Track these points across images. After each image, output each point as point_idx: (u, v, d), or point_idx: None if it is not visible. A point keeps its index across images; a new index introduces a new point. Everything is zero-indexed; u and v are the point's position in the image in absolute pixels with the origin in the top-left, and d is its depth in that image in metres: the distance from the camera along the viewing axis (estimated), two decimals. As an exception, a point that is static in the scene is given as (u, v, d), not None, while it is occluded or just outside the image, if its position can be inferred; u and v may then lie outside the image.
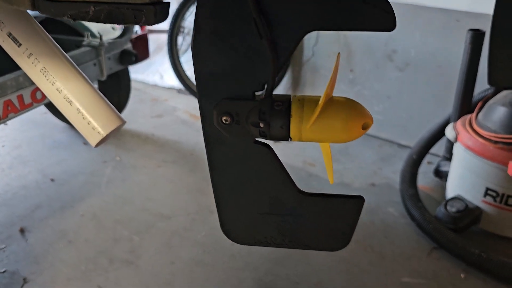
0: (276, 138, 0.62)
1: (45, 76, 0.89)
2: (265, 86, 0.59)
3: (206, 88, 0.59)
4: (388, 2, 0.53)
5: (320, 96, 0.59)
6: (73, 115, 0.90)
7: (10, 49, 0.88)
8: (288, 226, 0.71)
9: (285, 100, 0.60)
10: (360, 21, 0.53)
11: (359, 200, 0.67)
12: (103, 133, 0.90)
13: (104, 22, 0.55)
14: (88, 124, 0.90)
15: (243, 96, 0.59)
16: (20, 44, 0.88)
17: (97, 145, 0.92)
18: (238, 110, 0.60)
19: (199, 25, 0.54)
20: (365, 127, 0.59)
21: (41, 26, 0.92)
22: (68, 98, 0.89)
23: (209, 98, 0.60)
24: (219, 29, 0.54)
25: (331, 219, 0.70)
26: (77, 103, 0.90)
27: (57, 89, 0.89)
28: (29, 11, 0.92)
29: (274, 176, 0.66)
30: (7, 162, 2.44)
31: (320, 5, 0.53)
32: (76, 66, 0.94)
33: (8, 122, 2.84)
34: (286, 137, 0.61)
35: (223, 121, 0.61)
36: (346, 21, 0.53)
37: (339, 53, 0.57)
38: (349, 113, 0.59)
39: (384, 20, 0.53)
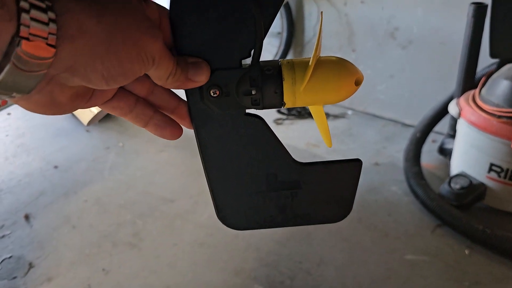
0: (269, 106, 0.59)
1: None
2: (252, 53, 0.56)
3: None
4: None
5: (307, 58, 0.57)
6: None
7: None
8: (287, 202, 0.69)
9: (275, 65, 0.58)
10: None
11: (357, 162, 0.65)
12: (95, 111, 0.89)
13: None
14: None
15: (230, 66, 0.57)
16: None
17: (89, 123, 0.91)
18: (227, 80, 0.57)
19: None
20: (357, 83, 0.58)
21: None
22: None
23: None
24: None
25: (331, 187, 0.68)
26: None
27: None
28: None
29: (269, 149, 0.64)
30: (11, 151, 2.46)
31: None
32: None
33: (12, 112, 2.86)
34: (280, 103, 0.58)
35: (211, 94, 0.58)
36: None
37: (321, 11, 0.55)
38: (340, 70, 0.58)
39: None
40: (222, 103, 0.59)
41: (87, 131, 2.62)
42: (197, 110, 0.61)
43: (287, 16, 2.86)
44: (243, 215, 0.72)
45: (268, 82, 0.57)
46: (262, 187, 0.68)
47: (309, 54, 2.91)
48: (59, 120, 2.76)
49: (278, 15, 2.89)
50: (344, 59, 0.59)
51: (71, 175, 2.21)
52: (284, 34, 2.91)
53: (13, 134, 2.63)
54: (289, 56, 2.98)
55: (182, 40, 0.55)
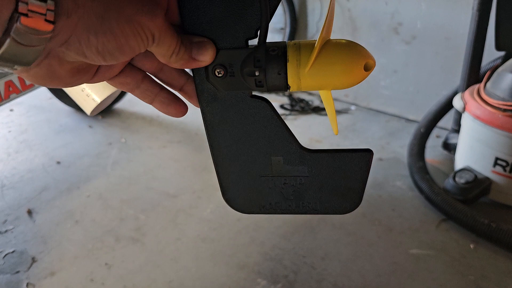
0: (273, 88, 0.58)
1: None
2: (258, 33, 0.55)
3: None
4: None
5: (315, 40, 0.55)
6: (67, 82, 0.89)
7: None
8: (294, 189, 0.67)
9: (280, 46, 0.56)
10: None
11: (368, 153, 0.63)
12: (98, 99, 0.88)
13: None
14: (82, 91, 0.88)
15: (236, 45, 0.56)
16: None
17: (92, 113, 0.90)
18: (232, 60, 0.56)
19: None
20: (367, 68, 0.55)
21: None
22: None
23: None
24: None
25: (339, 176, 0.65)
26: (70, 70, 0.88)
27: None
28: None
29: (274, 133, 0.63)
30: (13, 147, 2.45)
31: None
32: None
33: (14, 108, 2.86)
34: (284, 85, 0.57)
35: (216, 73, 0.57)
36: None
37: (333, -1, 0.53)
38: (348, 53, 0.55)
39: None
40: (227, 83, 0.58)
41: (90, 126, 2.61)
42: (203, 90, 0.60)
43: (290, 12, 2.85)
44: (248, 198, 0.71)
45: (272, 62, 0.56)
46: (267, 171, 0.67)
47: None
48: (62, 116, 2.76)
49: (281, 10, 2.88)
50: (355, 42, 0.57)
51: (73, 170, 2.21)
52: (287, 30, 2.90)
53: (16, 130, 2.63)
54: (292, 52, 2.97)
55: (188, 18, 0.54)
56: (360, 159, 0.65)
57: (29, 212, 1.91)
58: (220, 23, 0.54)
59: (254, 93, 0.60)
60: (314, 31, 2.85)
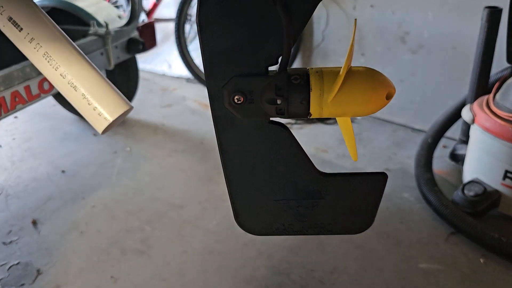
0: (294, 116, 0.57)
1: (48, 61, 0.86)
2: (279, 60, 0.54)
3: (214, 65, 0.55)
4: None
5: (338, 67, 0.54)
6: (79, 101, 0.87)
7: (11, 34, 0.85)
8: (308, 211, 0.67)
9: (303, 73, 0.55)
10: None
11: (382, 176, 0.62)
12: (110, 118, 0.86)
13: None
14: (94, 110, 0.87)
15: (256, 72, 0.54)
16: (21, 29, 0.85)
17: (104, 131, 0.89)
18: (252, 87, 0.55)
19: None
20: (389, 97, 0.54)
21: (42, 10, 0.89)
22: (72, 83, 0.86)
23: (218, 76, 0.55)
24: None
25: (353, 199, 0.65)
26: (82, 89, 0.86)
27: (61, 75, 0.86)
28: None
29: (292, 158, 0.62)
30: (18, 155, 2.44)
31: None
32: (80, 51, 0.91)
33: (18, 115, 2.85)
34: (306, 113, 0.56)
35: (235, 100, 0.56)
36: None
37: (355, 19, 0.52)
38: (372, 82, 0.54)
39: None
40: (246, 110, 0.57)
41: (94, 135, 2.60)
42: (221, 116, 0.59)
43: (295, 20, 2.84)
44: (262, 221, 0.70)
45: (295, 91, 0.55)
46: (283, 195, 0.66)
47: (318, 58, 2.89)
48: (66, 124, 2.75)
49: (287, 18, 2.86)
50: (375, 70, 0.56)
51: (78, 180, 2.19)
52: (292, 38, 2.89)
53: (20, 138, 2.62)
54: (298, 60, 2.96)
55: (207, 44, 0.53)
56: (374, 182, 0.65)
57: (34, 223, 1.89)
58: (241, 49, 0.53)
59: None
60: (320, 39, 2.84)
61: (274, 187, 0.65)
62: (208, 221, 1.87)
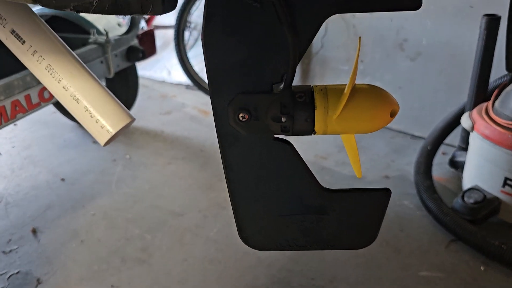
0: (299, 133, 0.57)
1: (51, 74, 0.87)
2: (284, 78, 0.55)
3: (219, 83, 0.55)
4: None
5: (341, 85, 0.55)
6: (81, 113, 0.88)
7: (14, 47, 0.86)
8: (312, 226, 0.67)
9: (307, 91, 0.56)
10: (387, 1, 0.49)
11: (386, 192, 0.63)
12: (112, 131, 0.87)
13: (109, 13, 0.52)
14: (96, 122, 0.87)
15: (261, 90, 0.55)
16: (24, 42, 0.85)
17: (106, 144, 0.89)
18: (257, 105, 0.55)
19: (210, 13, 0.50)
20: (393, 114, 0.55)
21: (44, 22, 0.89)
22: (75, 96, 0.87)
23: (223, 94, 0.56)
24: (232, 16, 0.50)
25: (357, 215, 0.66)
26: (84, 101, 0.87)
27: (63, 87, 0.87)
28: (32, 7, 0.90)
29: (296, 175, 0.62)
30: (17, 163, 2.44)
31: None
32: (82, 63, 0.92)
33: (18, 123, 2.85)
34: (310, 130, 0.56)
35: (240, 118, 0.56)
36: (372, 1, 0.50)
37: (360, 37, 0.53)
38: (376, 100, 0.55)
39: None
40: (251, 127, 0.57)
41: (94, 142, 2.60)
42: (226, 133, 0.59)
43: (294, 27, 2.85)
44: (266, 236, 0.70)
45: (300, 109, 0.55)
46: (287, 211, 0.67)
47: (317, 65, 2.90)
48: (66, 131, 2.75)
49: (286, 26, 2.88)
50: (379, 88, 0.57)
51: (78, 187, 2.19)
52: (292, 45, 2.90)
53: (20, 146, 2.62)
54: (297, 68, 2.96)
55: (212, 61, 0.53)
56: (378, 198, 0.65)
57: (34, 231, 1.89)
58: (246, 67, 0.54)
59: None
60: (319, 46, 2.85)
61: (279, 202, 0.65)
62: (208, 229, 1.87)
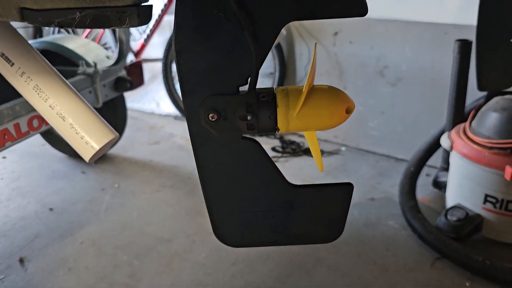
0: (264, 130, 0.62)
1: (38, 94, 0.91)
2: (249, 80, 0.60)
3: (190, 86, 0.60)
4: None
5: (301, 86, 0.60)
6: (67, 130, 0.92)
7: (3, 68, 0.90)
8: (281, 221, 0.71)
9: (270, 92, 0.61)
10: (335, 8, 0.55)
11: (349, 186, 0.68)
12: (97, 146, 0.91)
13: (90, 27, 0.57)
14: (82, 138, 0.91)
15: (228, 91, 0.60)
16: (13, 64, 0.90)
17: (91, 159, 0.93)
18: (225, 105, 0.61)
19: (180, 23, 0.56)
20: (348, 111, 0.61)
21: (30, 44, 0.94)
22: (61, 114, 0.91)
23: (194, 96, 0.61)
24: (200, 25, 0.56)
25: (323, 208, 0.70)
26: (70, 119, 0.91)
27: (50, 106, 0.91)
28: (21, 34, 0.95)
29: (263, 172, 0.67)
30: (5, 194, 2.44)
31: None
32: (69, 83, 0.96)
33: (7, 155, 2.86)
34: (274, 128, 0.62)
35: (210, 118, 0.62)
36: (322, 9, 0.55)
37: (316, 43, 0.58)
38: (332, 98, 0.61)
39: (357, 6, 0.55)
40: (220, 126, 0.63)
41: (83, 172, 2.62)
42: (197, 133, 0.64)
43: (279, 57, 2.94)
44: (239, 232, 0.74)
45: (263, 108, 0.61)
46: (257, 207, 0.71)
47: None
48: (55, 162, 2.77)
49: (270, 55, 2.97)
50: (336, 88, 0.63)
51: (66, 217, 2.19)
52: (277, 75, 2.98)
53: (8, 178, 2.63)
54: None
55: (184, 66, 0.59)
56: (342, 192, 0.70)
57: (21, 261, 1.88)
58: (214, 71, 0.59)
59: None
60: (302, 75, 2.94)
61: (249, 199, 0.69)
62: (196, 254, 1.88)
